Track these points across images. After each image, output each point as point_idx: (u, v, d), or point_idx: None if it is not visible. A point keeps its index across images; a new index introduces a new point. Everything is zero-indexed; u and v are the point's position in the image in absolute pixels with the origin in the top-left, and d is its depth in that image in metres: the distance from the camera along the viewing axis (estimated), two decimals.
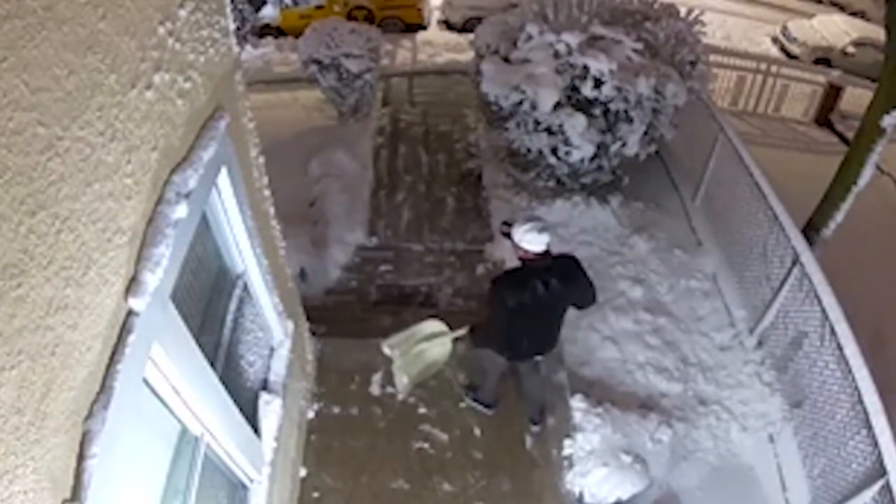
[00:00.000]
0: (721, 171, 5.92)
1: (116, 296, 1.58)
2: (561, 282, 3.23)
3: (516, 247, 3.19)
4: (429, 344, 3.66)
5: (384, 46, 9.42)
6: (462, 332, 3.60)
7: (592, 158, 6.08)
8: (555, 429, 4.15)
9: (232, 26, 2.48)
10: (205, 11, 2.15)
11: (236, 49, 2.55)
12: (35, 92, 1.20)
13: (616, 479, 3.93)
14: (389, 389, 4.28)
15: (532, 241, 3.12)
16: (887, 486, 3.48)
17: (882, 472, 3.52)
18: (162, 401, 1.99)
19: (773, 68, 10.48)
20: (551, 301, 3.28)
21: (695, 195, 6.44)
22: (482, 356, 3.86)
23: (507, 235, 3.22)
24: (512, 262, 3.54)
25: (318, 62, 7.62)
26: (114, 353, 1.56)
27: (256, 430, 2.95)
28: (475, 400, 4.20)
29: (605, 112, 5.82)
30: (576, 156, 6.00)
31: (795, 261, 4.58)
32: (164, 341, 1.82)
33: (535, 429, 4.16)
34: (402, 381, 3.68)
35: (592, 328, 5.09)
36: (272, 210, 3.32)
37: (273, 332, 3.39)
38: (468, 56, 9.62)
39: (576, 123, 5.76)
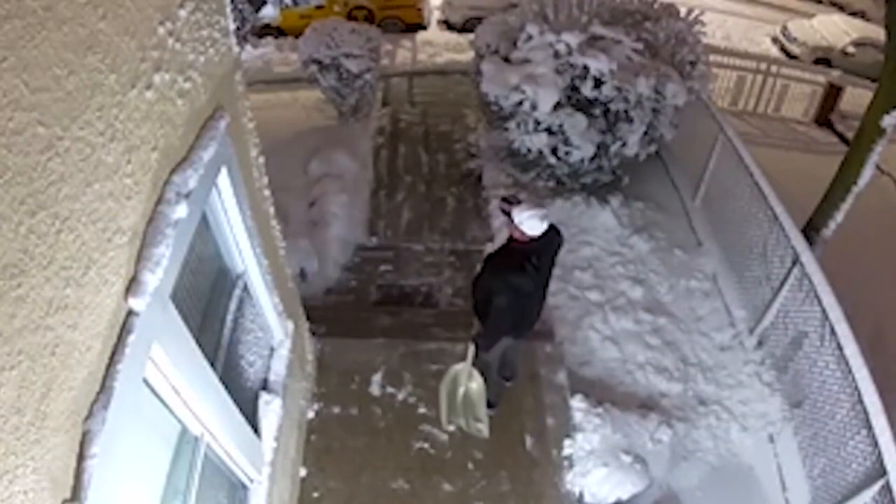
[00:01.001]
0: (721, 171, 5.92)
1: (116, 296, 1.58)
2: (551, 248, 3.41)
3: (514, 226, 3.22)
4: (464, 386, 3.79)
5: (384, 46, 9.42)
6: (472, 351, 3.65)
7: (592, 158, 6.08)
8: (555, 429, 4.15)
9: (232, 26, 2.48)
10: (205, 11, 2.15)
11: (236, 49, 2.55)
12: (35, 92, 1.20)
13: (616, 479, 3.93)
14: (389, 389, 4.28)
15: (534, 227, 3.17)
16: (887, 486, 3.49)
17: (882, 472, 3.53)
18: (162, 401, 1.99)
19: (773, 68, 10.48)
20: (547, 270, 3.48)
21: (695, 195, 6.44)
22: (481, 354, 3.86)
23: (506, 213, 3.23)
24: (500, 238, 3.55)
25: (318, 62, 7.62)
26: (114, 353, 1.56)
27: (256, 430, 2.95)
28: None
29: (605, 112, 5.82)
30: (576, 156, 6.00)
31: (795, 261, 4.59)
32: (164, 341, 1.82)
33: (508, 384, 4.26)
34: (479, 427, 3.88)
35: (592, 328, 5.09)
36: (272, 210, 3.32)
37: (273, 332, 3.39)
38: (468, 56, 9.62)
39: (576, 123, 5.76)
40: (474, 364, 3.72)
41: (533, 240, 3.23)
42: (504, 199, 3.31)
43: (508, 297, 3.28)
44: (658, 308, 5.37)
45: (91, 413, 1.46)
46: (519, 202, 3.22)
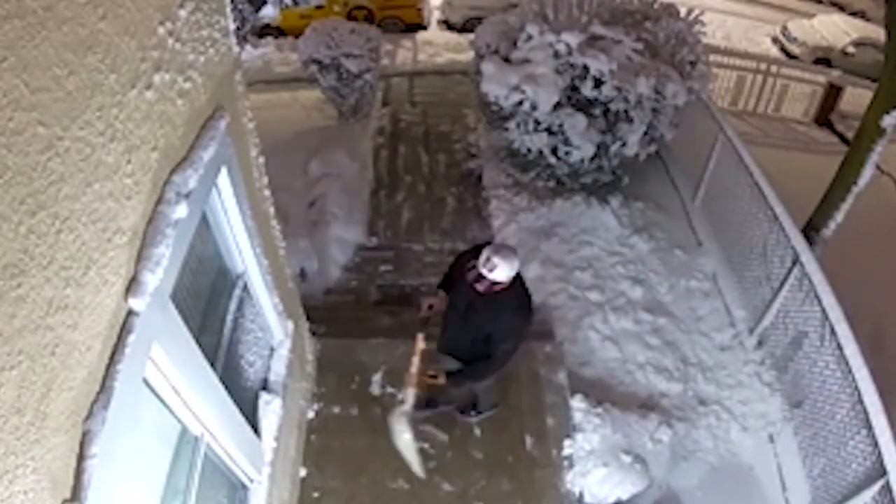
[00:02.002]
0: (721, 171, 5.92)
1: (116, 296, 1.58)
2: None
3: (497, 283, 2.94)
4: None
5: (384, 46, 9.41)
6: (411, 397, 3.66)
7: (592, 158, 6.08)
8: (555, 429, 4.15)
9: (232, 26, 2.48)
10: (205, 11, 2.15)
11: (236, 49, 2.55)
12: (35, 92, 1.20)
13: (616, 479, 3.93)
14: (389, 389, 4.28)
15: (514, 268, 2.93)
16: (887, 486, 3.48)
17: (882, 472, 3.53)
18: (162, 401, 1.99)
19: (773, 68, 10.47)
20: None
21: (695, 195, 6.44)
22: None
23: (490, 282, 2.91)
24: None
25: (318, 62, 7.61)
26: (114, 353, 1.56)
27: (256, 430, 2.95)
28: (481, 413, 4.12)
29: (605, 112, 5.82)
30: (576, 156, 6.00)
31: (795, 261, 4.59)
32: (164, 341, 1.82)
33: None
34: None
35: (592, 328, 5.09)
36: (272, 210, 3.32)
37: (273, 332, 3.39)
38: (468, 56, 9.61)
39: (576, 123, 5.76)
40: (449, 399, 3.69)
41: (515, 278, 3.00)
42: (478, 276, 2.93)
43: (517, 340, 3.17)
44: (658, 308, 5.37)
45: (91, 413, 1.46)
46: (492, 267, 2.86)
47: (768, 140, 9.66)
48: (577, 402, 4.26)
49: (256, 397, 3.09)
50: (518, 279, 3.05)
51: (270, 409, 3.10)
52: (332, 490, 3.78)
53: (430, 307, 3.32)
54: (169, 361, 1.87)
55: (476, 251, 3.01)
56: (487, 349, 3.19)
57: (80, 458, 1.41)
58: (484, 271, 2.88)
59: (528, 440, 4.09)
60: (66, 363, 1.36)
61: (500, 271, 2.86)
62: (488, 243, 3.10)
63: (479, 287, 2.95)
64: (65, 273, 1.33)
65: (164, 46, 1.83)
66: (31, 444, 1.23)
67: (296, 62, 9.12)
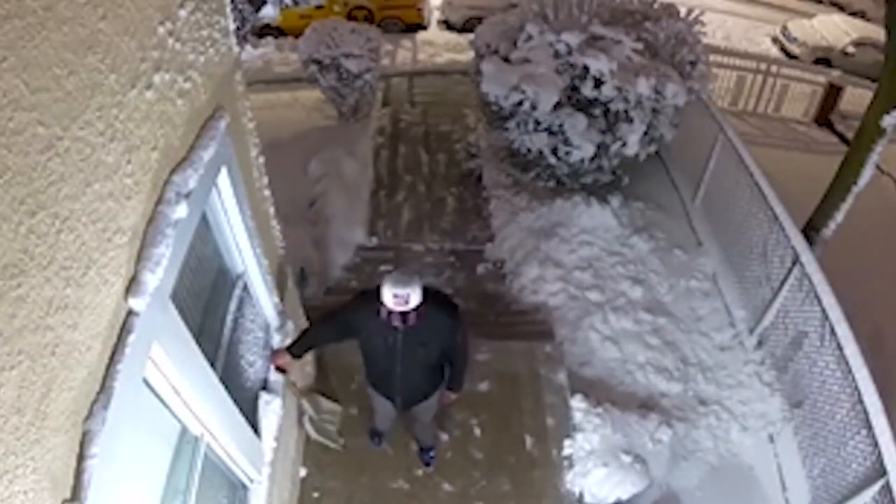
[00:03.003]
0: (721, 171, 5.92)
1: (116, 296, 1.58)
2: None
3: (419, 306, 2.71)
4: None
5: (384, 46, 9.42)
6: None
7: (592, 158, 6.08)
8: (555, 429, 4.15)
9: (232, 26, 2.49)
10: (205, 11, 2.15)
11: (236, 49, 2.55)
12: (35, 92, 1.20)
13: (616, 479, 3.93)
14: None
15: (396, 298, 2.66)
16: (887, 486, 3.48)
17: (882, 472, 3.53)
18: (162, 401, 1.99)
19: (773, 68, 10.47)
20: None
21: (695, 195, 6.44)
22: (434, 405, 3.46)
23: (412, 310, 2.67)
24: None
25: (318, 62, 7.62)
26: (114, 353, 1.56)
27: (256, 430, 2.95)
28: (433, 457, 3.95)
29: (605, 112, 5.82)
30: (576, 156, 6.00)
31: (795, 261, 4.58)
32: (164, 341, 1.82)
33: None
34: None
35: (592, 328, 5.08)
36: (272, 210, 3.32)
37: (273, 332, 3.39)
38: (468, 56, 9.61)
39: (576, 123, 5.76)
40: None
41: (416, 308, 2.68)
42: (401, 316, 2.67)
43: (462, 326, 2.96)
44: (658, 308, 5.36)
45: (91, 413, 1.46)
46: (405, 299, 2.63)
47: (768, 140, 9.67)
48: (577, 402, 4.26)
49: (256, 397, 3.09)
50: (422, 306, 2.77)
51: (270, 409, 3.10)
52: (332, 490, 3.78)
53: (279, 368, 3.26)
54: (169, 361, 1.87)
55: (367, 302, 2.78)
56: (448, 358, 3.07)
57: (80, 458, 1.41)
58: (402, 309, 2.65)
59: (528, 440, 4.09)
60: (66, 363, 1.36)
61: (413, 295, 2.64)
62: (362, 292, 2.88)
63: (411, 321, 2.69)
64: (65, 273, 1.33)
65: (164, 46, 1.83)
66: (31, 444, 1.23)
67: (296, 62, 9.14)
